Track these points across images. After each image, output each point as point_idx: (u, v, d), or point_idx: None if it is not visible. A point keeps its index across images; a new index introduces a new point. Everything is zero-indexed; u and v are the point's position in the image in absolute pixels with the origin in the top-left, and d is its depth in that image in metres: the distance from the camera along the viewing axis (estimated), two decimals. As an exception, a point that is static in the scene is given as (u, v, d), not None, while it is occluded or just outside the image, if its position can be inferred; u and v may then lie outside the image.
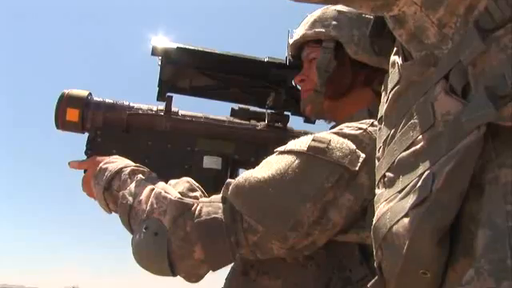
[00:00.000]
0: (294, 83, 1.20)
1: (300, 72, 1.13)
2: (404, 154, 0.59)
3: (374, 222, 0.63)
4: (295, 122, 1.28)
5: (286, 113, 1.25)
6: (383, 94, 0.75)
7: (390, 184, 0.62)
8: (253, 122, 1.24)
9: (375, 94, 1.07)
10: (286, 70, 1.18)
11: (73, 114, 1.16)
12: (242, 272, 0.98)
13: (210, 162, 1.16)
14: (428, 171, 0.53)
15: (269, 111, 1.25)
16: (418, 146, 0.57)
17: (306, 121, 1.26)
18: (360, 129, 0.90)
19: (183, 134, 1.19)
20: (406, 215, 0.54)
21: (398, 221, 0.55)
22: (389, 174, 0.63)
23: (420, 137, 0.57)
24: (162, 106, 1.21)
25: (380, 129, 0.72)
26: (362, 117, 0.98)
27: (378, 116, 0.75)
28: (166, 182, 1.13)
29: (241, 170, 1.24)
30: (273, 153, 1.22)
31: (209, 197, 0.95)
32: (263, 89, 1.25)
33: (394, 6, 0.64)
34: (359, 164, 0.85)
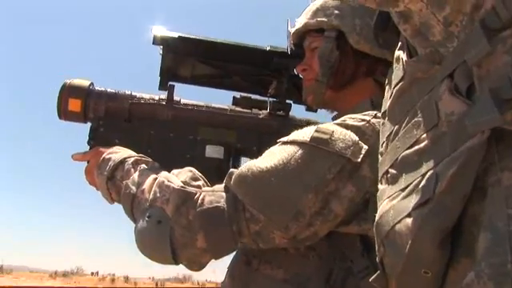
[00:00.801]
0: (295, 72, 1.19)
1: (302, 61, 1.13)
2: (407, 151, 0.60)
3: (376, 219, 0.64)
4: (297, 110, 1.28)
5: (287, 101, 1.25)
6: (387, 87, 0.75)
7: (392, 181, 0.63)
8: (255, 110, 1.24)
9: (377, 85, 1.06)
10: (288, 58, 1.18)
11: (75, 104, 1.16)
12: (245, 261, 0.99)
13: (213, 151, 1.17)
14: (431, 171, 0.53)
15: (271, 100, 1.25)
16: (421, 145, 0.57)
17: (307, 109, 1.26)
18: (363, 120, 0.90)
19: (185, 122, 1.19)
20: (408, 215, 0.54)
21: (401, 220, 0.56)
22: (392, 171, 0.63)
23: (424, 135, 0.57)
24: (164, 95, 1.21)
25: (383, 124, 0.72)
26: (365, 108, 0.98)
27: (382, 110, 0.75)
28: (169, 172, 1.14)
29: (243, 159, 1.24)
30: (275, 142, 1.23)
31: (211, 186, 0.96)
32: (265, 77, 1.25)
33: (400, 1, 0.63)
34: (362, 156, 0.85)
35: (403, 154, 0.61)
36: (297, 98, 1.23)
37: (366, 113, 0.92)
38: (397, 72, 0.69)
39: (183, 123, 1.19)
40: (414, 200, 0.54)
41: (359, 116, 0.91)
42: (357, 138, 0.87)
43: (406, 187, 0.58)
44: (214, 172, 1.16)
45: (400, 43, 0.72)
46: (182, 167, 1.15)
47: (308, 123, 1.24)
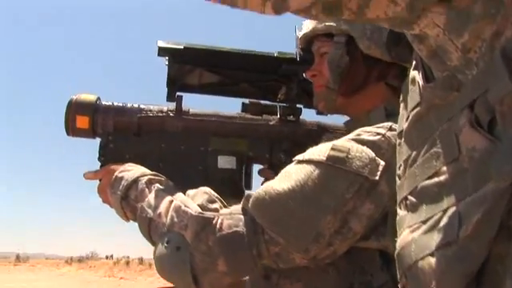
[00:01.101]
0: (305, 76, 1.17)
1: (311, 66, 1.10)
2: (427, 182, 0.59)
3: (398, 249, 0.63)
4: (307, 113, 1.26)
5: (298, 105, 1.23)
6: (402, 105, 0.73)
7: (413, 209, 0.62)
8: (265, 116, 1.22)
9: (389, 88, 1.04)
10: (297, 64, 1.15)
11: (83, 122, 1.15)
12: (264, 276, 0.99)
13: (225, 161, 1.15)
14: (453, 208, 0.52)
15: (281, 105, 1.23)
16: (441, 178, 0.56)
17: (318, 113, 1.24)
18: (378, 134, 0.88)
19: (196, 134, 1.17)
20: (431, 254, 0.54)
21: (424, 257, 0.55)
22: (411, 199, 0.62)
23: (444, 168, 0.56)
24: (172, 105, 1.19)
25: (400, 144, 0.71)
26: (379, 117, 0.97)
27: (398, 129, 0.74)
28: (182, 184, 1.13)
29: (255, 167, 1.23)
30: (288, 148, 1.21)
31: (226, 204, 0.95)
32: (274, 83, 1.23)
33: (415, 25, 0.61)
34: (379, 173, 0.84)
35: (423, 184, 0.60)
36: (307, 103, 1.21)
37: (381, 125, 0.90)
38: (413, 95, 0.67)
39: (194, 134, 1.17)
40: (436, 238, 0.54)
41: (374, 129, 0.89)
42: (373, 155, 0.85)
43: (427, 220, 0.57)
44: (227, 183, 1.15)
45: (414, 62, 0.70)
46: (195, 180, 1.14)
47: (319, 126, 1.23)
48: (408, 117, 0.67)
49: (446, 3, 0.57)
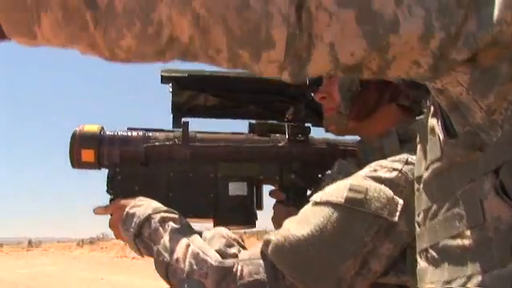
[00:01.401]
0: (313, 96, 1.14)
1: (319, 86, 1.07)
2: (450, 242, 0.58)
3: None
4: (316, 131, 1.23)
5: (306, 124, 1.20)
6: (419, 147, 0.71)
7: (435, 263, 0.62)
8: (273, 136, 1.19)
9: (400, 109, 1.01)
10: (305, 85, 1.12)
11: (88, 155, 1.12)
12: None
13: (236, 188, 1.13)
14: (478, 277, 0.52)
15: (289, 124, 1.20)
16: (465, 242, 0.55)
17: (327, 130, 1.21)
18: (395, 170, 0.86)
19: (204, 160, 1.15)
20: None
21: None
22: (432, 253, 0.62)
23: (467, 232, 0.55)
24: (178, 131, 1.17)
25: (419, 190, 0.69)
26: (393, 144, 0.95)
27: (416, 174, 0.72)
28: (194, 214, 1.12)
29: (266, 188, 1.21)
30: (297, 168, 1.19)
31: (243, 244, 0.94)
32: (281, 104, 1.20)
33: (437, 80, 0.58)
34: (398, 213, 0.83)
35: (445, 242, 0.59)
36: (315, 122, 1.19)
37: (397, 158, 0.88)
38: (433, 147, 0.64)
39: (202, 161, 1.15)
40: None
41: (390, 164, 0.87)
42: (391, 194, 0.84)
43: (450, 281, 0.57)
44: (239, 210, 1.14)
45: (433, 109, 0.67)
46: (206, 208, 1.12)
47: (328, 144, 1.21)
48: (428, 167, 0.65)
49: (471, 63, 0.54)
